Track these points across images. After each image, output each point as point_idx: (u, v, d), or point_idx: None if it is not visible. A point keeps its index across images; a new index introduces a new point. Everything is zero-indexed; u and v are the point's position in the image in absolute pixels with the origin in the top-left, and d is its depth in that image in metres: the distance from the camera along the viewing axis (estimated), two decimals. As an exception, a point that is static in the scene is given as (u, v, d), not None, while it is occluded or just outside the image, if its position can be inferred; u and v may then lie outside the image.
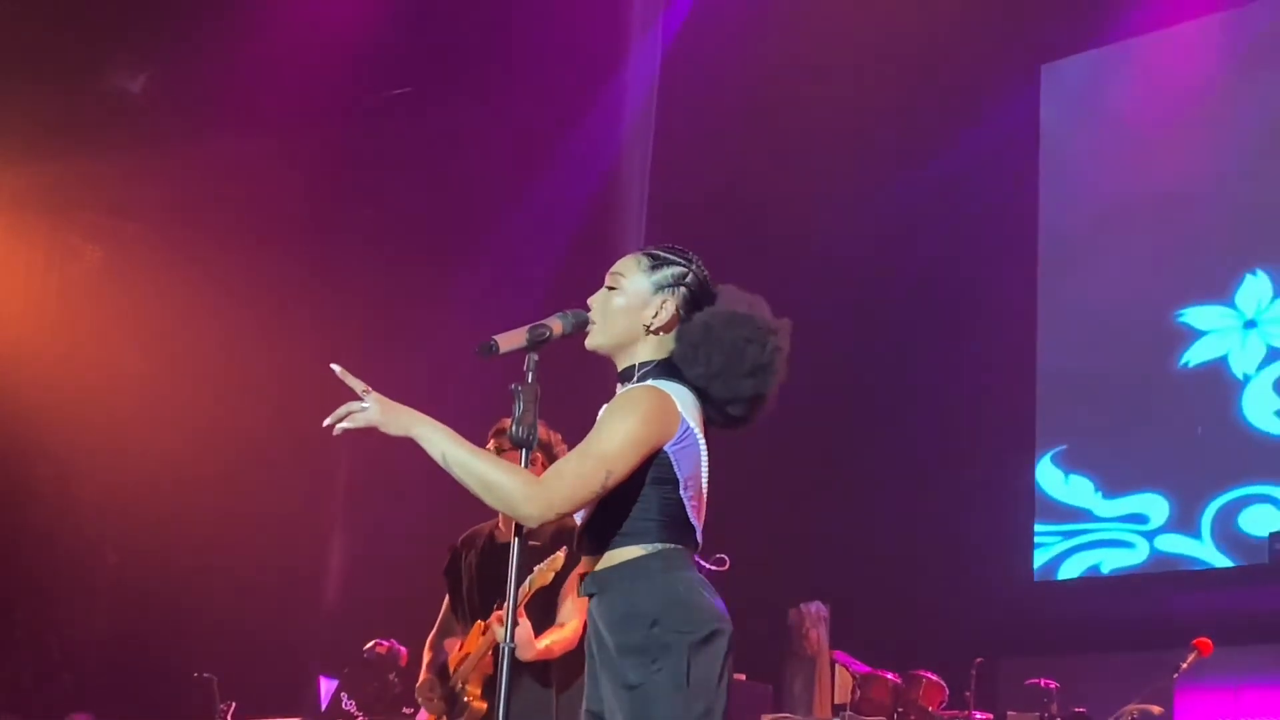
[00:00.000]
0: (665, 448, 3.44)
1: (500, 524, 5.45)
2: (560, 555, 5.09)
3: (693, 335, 3.53)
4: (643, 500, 3.43)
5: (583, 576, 3.53)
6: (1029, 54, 10.98)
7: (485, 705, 5.40)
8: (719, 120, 11.06)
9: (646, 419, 3.41)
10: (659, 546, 3.45)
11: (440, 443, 3.39)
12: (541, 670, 5.20)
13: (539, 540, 5.04)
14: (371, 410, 3.41)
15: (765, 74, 10.89)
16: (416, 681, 5.74)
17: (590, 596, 3.48)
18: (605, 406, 3.49)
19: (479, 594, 5.41)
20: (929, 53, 10.38)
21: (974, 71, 10.63)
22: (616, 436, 3.39)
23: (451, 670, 5.50)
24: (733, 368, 3.51)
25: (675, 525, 3.47)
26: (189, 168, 10.37)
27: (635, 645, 3.36)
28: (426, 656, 5.72)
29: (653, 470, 3.43)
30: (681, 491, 3.47)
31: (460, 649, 5.53)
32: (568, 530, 4.75)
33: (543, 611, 5.22)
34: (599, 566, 3.46)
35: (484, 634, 5.36)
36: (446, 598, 5.67)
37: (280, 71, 10.24)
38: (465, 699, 5.43)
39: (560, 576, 5.12)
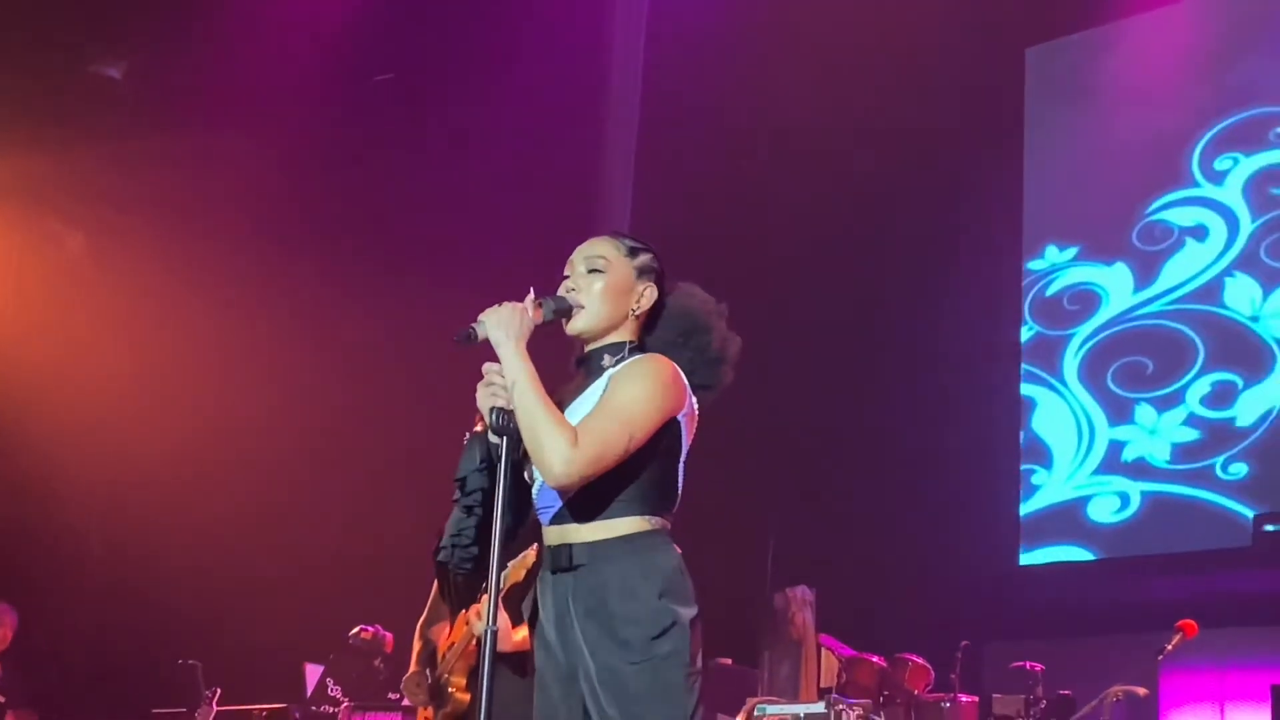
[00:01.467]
0: (678, 416, 3.49)
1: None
2: (531, 552, 5.08)
3: (690, 323, 3.61)
4: (650, 469, 3.46)
5: (556, 548, 3.50)
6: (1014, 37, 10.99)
7: (469, 696, 5.40)
8: (703, 106, 11.06)
9: (664, 384, 3.45)
10: (658, 520, 3.48)
11: (517, 371, 3.38)
12: (519, 661, 5.19)
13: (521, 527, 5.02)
14: (498, 313, 3.42)
15: (750, 59, 10.89)
16: (401, 666, 5.75)
17: (573, 569, 3.45)
18: (612, 375, 3.49)
19: (466, 582, 5.40)
20: (914, 35, 10.37)
21: (959, 55, 10.62)
22: (637, 400, 3.41)
23: (440, 659, 5.50)
24: (721, 356, 3.60)
25: (668, 497, 3.52)
26: (173, 155, 10.34)
27: (641, 616, 3.36)
28: (416, 646, 5.72)
29: (665, 439, 3.47)
30: (680, 463, 3.52)
31: (447, 638, 5.52)
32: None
33: (518, 605, 5.21)
34: (597, 537, 3.43)
35: (467, 624, 5.35)
36: (435, 583, 5.66)
37: (265, 59, 10.21)
38: (450, 690, 5.44)
39: (533, 572, 5.11)
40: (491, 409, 3.43)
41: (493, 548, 3.39)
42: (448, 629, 5.56)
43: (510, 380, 3.38)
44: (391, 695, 8.33)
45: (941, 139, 10.62)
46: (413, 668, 5.63)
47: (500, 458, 3.41)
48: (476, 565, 3.59)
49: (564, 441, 3.32)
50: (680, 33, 11.18)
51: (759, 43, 10.91)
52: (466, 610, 5.35)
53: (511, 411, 3.39)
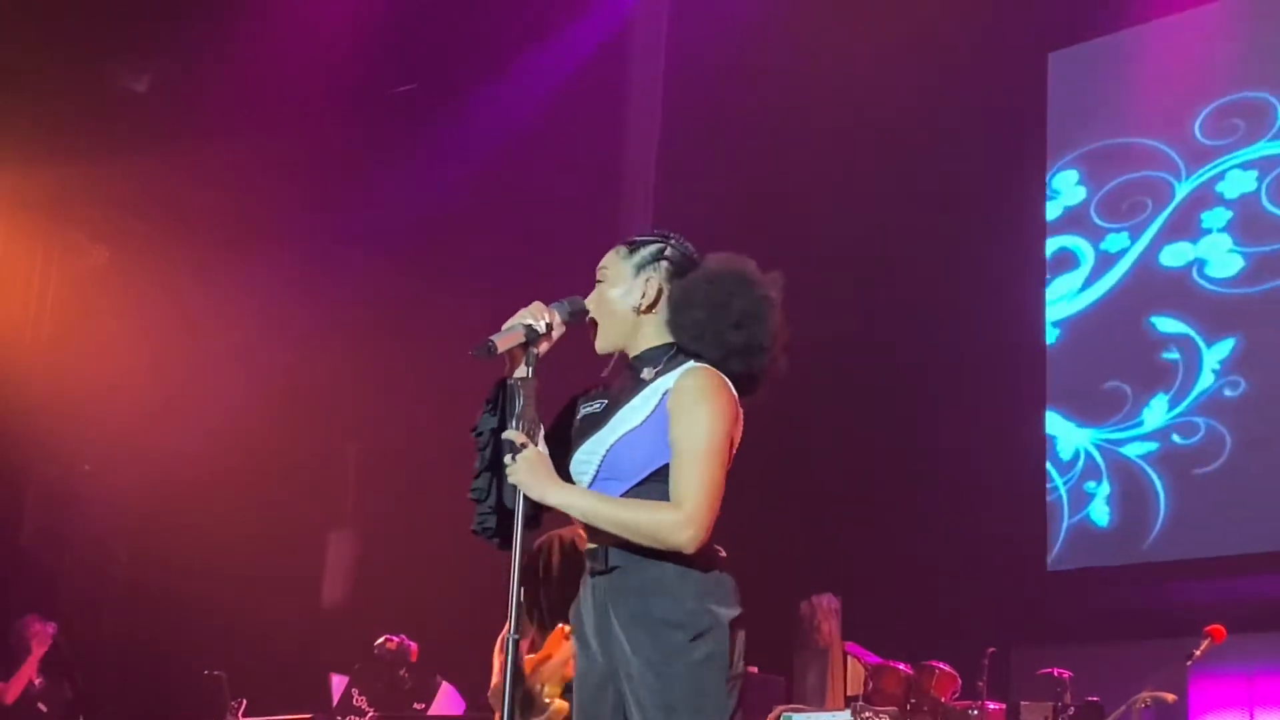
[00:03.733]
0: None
1: (581, 529, 5.45)
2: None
3: (676, 301, 3.54)
4: None
5: (592, 550, 3.49)
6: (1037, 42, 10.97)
7: (567, 705, 5.40)
8: (724, 108, 11.06)
9: (725, 404, 3.42)
10: None
11: (579, 505, 3.41)
12: None
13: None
14: (518, 471, 3.39)
15: (770, 63, 10.89)
16: (425, 677, 5.74)
17: (610, 570, 3.43)
18: (666, 393, 3.44)
19: (561, 597, 5.40)
20: (937, 39, 10.35)
21: (981, 59, 10.59)
22: (715, 428, 3.39)
23: (528, 673, 5.50)
24: (717, 320, 3.48)
25: None
26: (196, 167, 10.37)
27: (679, 618, 3.35)
28: (497, 660, 5.71)
29: None
30: (724, 470, 3.47)
31: (541, 652, 5.53)
32: None
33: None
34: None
35: (567, 638, 5.36)
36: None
37: (286, 70, 10.24)
38: (545, 700, 5.45)
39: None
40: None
41: (512, 566, 3.37)
42: (531, 646, 5.56)
43: (579, 515, 3.41)
44: (417, 705, 8.33)
45: (965, 144, 10.60)
46: (495, 680, 5.63)
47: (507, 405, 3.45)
48: (500, 525, 3.56)
49: (660, 516, 3.35)
50: (701, 34, 11.17)
51: (780, 43, 10.90)
52: (564, 625, 5.36)
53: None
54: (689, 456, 3.37)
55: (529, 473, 3.38)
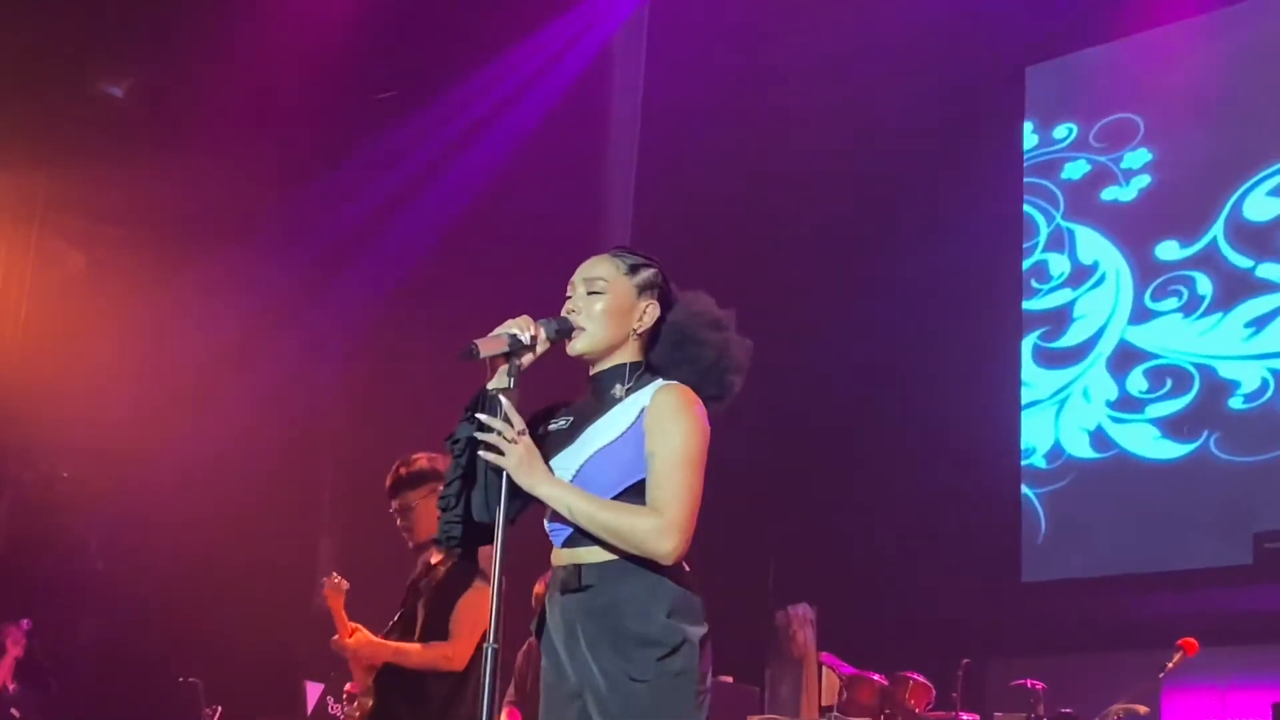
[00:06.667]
0: None
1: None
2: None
3: (680, 336, 3.60)
4: None
5: (566, 569, 3.51)
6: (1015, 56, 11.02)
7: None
8: (703, 119, 11.09)
9: (703, 419, 3.48)
10: None
11: (565, 499, 3.42)
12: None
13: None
14: (511, 457, 3.40)
15: (750, 74, 10.92)
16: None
17: (583, 589, 3.45)
18: (644, 410, 3.48)
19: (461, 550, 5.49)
20: (916, 53, 10.40)
21: (959, 73, 10.65)
22: (694, 441, 3.43)
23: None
24: (722, 365, 3.58)
25: None
26: (176, 173, 10.34)
27: (651, 635, 3.37)
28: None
29: None
30: None
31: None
32: None
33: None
34: (607, 558, 3.43)
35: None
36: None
37: (267, 76, 10.23)
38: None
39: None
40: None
41: (495, 573, 3.37)
42: None
43: (564, 510, 3.42)
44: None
45: (942, 155, 10.65)
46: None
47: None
48: (465, 535, 3.59)
49: (643, 521, 3.37)
50: (683, 38, 11.20)
51: (759, 49, 10.95)
52: None
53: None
54: (669, 467, 3.40)
55: (524, 459, 3.40)
